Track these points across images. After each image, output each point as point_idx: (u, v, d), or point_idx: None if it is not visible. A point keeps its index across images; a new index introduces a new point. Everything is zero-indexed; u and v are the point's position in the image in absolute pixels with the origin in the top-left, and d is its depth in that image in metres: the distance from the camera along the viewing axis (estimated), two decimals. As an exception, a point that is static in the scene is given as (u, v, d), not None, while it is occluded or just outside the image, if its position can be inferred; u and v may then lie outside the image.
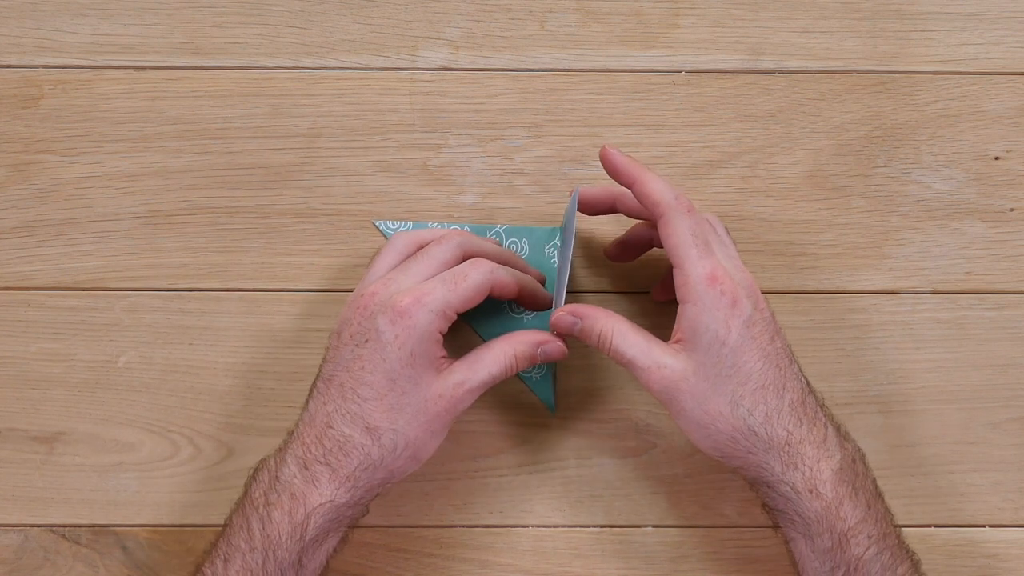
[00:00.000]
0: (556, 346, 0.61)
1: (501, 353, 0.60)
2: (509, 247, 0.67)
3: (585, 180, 0.68)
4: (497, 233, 0.67)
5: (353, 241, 0.68)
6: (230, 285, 0.68)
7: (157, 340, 0.67)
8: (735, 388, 0.58)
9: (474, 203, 0.68)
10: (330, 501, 0.57)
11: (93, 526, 0.66)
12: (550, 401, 0.66)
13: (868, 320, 0.68)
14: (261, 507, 0.57)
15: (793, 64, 0.69)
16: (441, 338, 0.59)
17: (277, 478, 0.58)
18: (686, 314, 0.58)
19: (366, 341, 0.58)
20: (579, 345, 0.65)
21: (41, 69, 0.68)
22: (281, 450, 0.59)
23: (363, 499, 0.59)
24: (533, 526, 0.67)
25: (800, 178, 0.68)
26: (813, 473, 0.57)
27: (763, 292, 0.67)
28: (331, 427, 0.58)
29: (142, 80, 0.68)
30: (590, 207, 0.65)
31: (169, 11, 0.69)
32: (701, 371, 0.58)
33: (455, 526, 0.67)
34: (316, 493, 0.57)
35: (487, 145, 0.68)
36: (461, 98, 0.69)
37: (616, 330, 0.59)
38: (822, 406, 0.60)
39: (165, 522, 0.66)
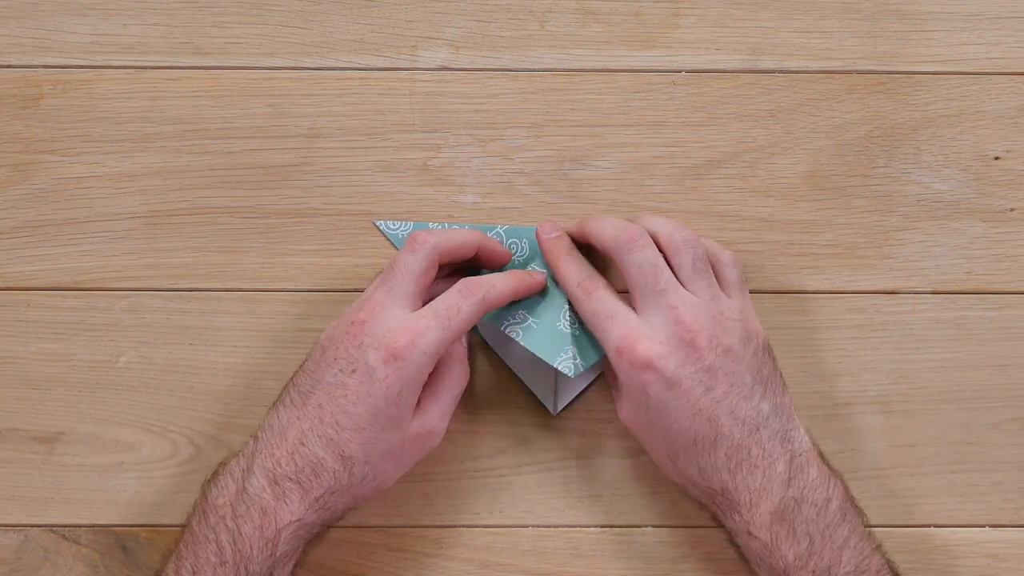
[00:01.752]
0: None
1: (456, 373, 0.62)
2: (509, 248, 0.67)
3: (585, 180, 0.68)
4: (497, 233, 0.67)
5: (353, 241, 0.68)
6: (230, 285, 0.67)
7: (157, 340, 0.67)
8: (667, 447, 0.61)
9: (474, 203, 0.68)
10: (299, 520, 0.58)
11: (93, 526, 0.66)
12: (550, 401, 0.66)
13: (868, 320, 0.68)
14: (229, 519, 0.57)
15: (793, 64, 0.69)
16: (427, 377, 0.59)
17: (245, 490, 0.57)
18: (614, 379, 0.63)
19: (353, 371, 0.58)
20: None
21: (41, 69, 0.68)
22: (246, 458, 0.59)
23: (328, 520, 0.60)
24: (533, 526, 0.67)
25: (800, 178, 0.68)
26: (748, 517, 0.59)
27: (764, 292, 0.67)
28: (304, 445, 0.58)
29: (142, 80, 0.68)
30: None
31: (169, 11, 0.68)
32: (636, 426, 0.62)
33: (455, 526, 0.67)
34: (287, 511, 0.57)
35: (487, 145, 0.68)
36: (461, 98, 0.68)
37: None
38: (780, 439, 0.59)
39: (165, 522, 0.66)
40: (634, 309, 0.61)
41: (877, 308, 0.68)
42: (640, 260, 0.60)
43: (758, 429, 0.59)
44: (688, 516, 0.66)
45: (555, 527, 0.67)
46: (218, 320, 0.67)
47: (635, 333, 0.60)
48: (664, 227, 0.63)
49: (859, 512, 0.60)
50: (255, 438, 0.59)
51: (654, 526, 0.66)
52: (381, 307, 0.59)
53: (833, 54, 0.69)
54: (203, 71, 0.68)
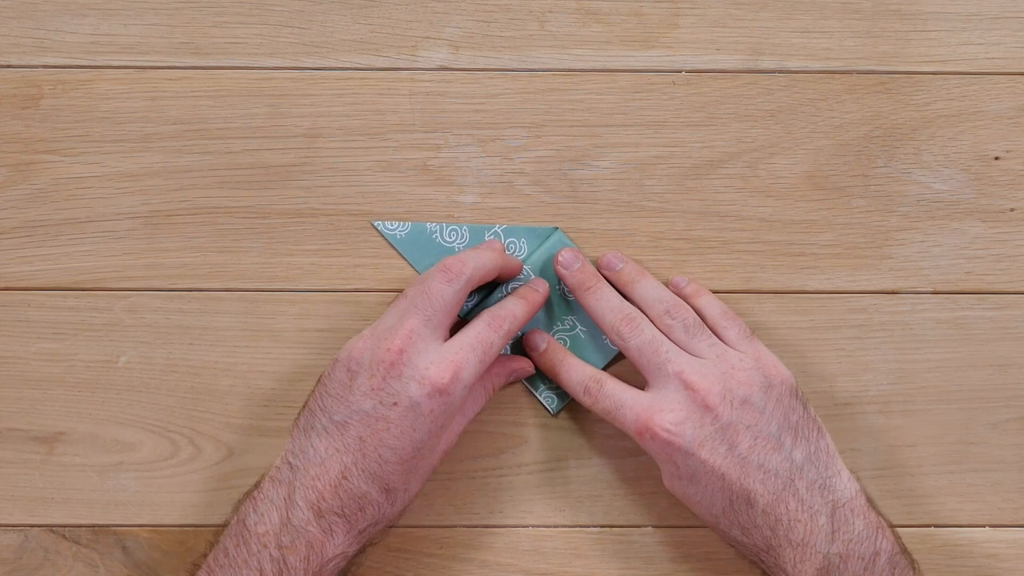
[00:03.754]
0: (524, 367, 0.65)
1: (483, 391, 0.64)
2: (508, 247, 0.67)
3: (585, 180, 0.68)
4: (496, 233, 0.67)
5: (353, 241, 0.68)
6: (230, 285, 0.68)
7: (157, 340, 0.67)
8: (708, 511, 0.61)
9: (474, 203, 0.68)
10: (343, 553, 0.58)
11: (93, 526, 0.66)
12: (551, 401, 0.66)
13: (868, 320, 0.68)
14: (273, 548, 0.57)
15: (793, 64, 0.69)
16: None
17: (289, 520, 0.57)
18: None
19: (394, 404, 0.58)
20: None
21: (41, 69, 0.68)
22: (285, 486, 0.58)
23: (363, 548, 0.60)
24: (533, 526, 0.67)
25: (800, 178, 0.68)
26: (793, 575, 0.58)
27: (764, 292, 0.67)
28: (347, 480, 0.58)
29: (142, 80, 0.68)
30: None
31: (169, 11, 0.69)
32: (680, 495, 0.62)
33: (455, 526, 0.67)
34: (332, 544, 0.58)
35: (487, 145, 0.68)
36: (461, 98, 0.68)
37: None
38: (820, 488, 0.59)
39: (165, 522, 0.66)
40: (648, 389, 0.62)
41: (877, 308, 0.68)
42: (639, 343, 0.62)
43: (793, 480, 0.59)
44: (688, 516, 0.66)
45: (555, 527, 0.67)
46: (218, 320, 0.67)
47: (647, 411, 0.60)
48: (650, 302, 0.64)
49: (911, 562, 0.59)
50: (289, 465, 0.59)
51: (654, 526, 0.66)
52: (419, 336, 0.59)
53: (833, 54, 0.69)
54: (203, 71, 0.68)
